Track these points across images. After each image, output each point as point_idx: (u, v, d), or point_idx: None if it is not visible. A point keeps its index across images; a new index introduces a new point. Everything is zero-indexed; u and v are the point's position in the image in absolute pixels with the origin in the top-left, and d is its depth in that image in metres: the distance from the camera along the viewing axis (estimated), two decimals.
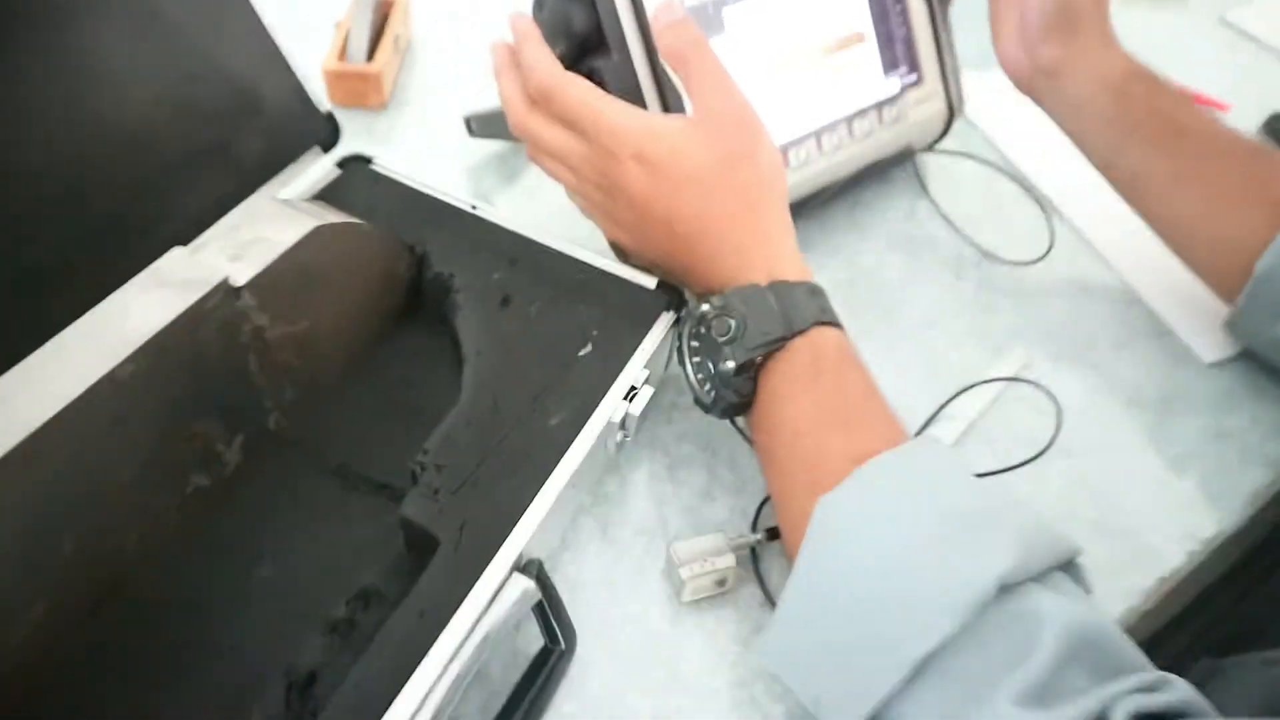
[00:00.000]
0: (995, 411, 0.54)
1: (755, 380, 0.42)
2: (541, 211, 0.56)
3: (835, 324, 0.42)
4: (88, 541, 0.34)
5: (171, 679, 0.35)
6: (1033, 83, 0.58)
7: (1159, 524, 0.51)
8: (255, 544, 0.39)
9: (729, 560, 0.43)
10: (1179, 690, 0.31)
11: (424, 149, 0.64)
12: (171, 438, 0.36)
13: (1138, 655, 0.33)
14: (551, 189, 0.49)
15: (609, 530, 0.46)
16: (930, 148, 0.67)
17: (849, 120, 0.59)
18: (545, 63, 0.45)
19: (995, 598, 0.32)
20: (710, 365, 0.42)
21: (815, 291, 0.42)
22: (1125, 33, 0.58)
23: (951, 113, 0.64)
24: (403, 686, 0.32)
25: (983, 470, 0.50)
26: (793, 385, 0.40)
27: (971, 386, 0.55)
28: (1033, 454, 0.51)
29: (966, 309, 0.60)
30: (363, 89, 0.64)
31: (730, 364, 0.41)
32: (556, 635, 0.39)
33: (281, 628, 0.36)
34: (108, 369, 0.32)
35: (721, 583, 0.43)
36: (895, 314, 0.59)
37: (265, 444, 0.41)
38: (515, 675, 0.39)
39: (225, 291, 0.36)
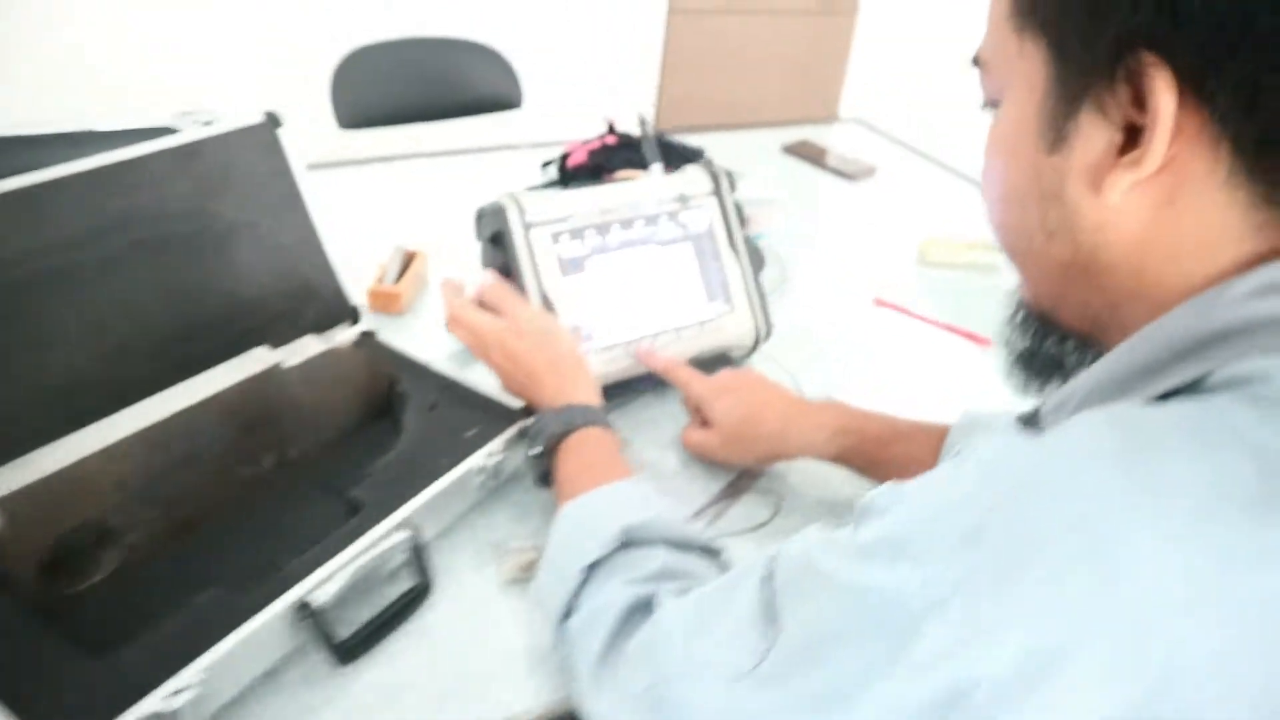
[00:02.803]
0: (743, 509, 0.84)
1: (554, 458, 0.74)
2: (472, 369, 0.92)
3: (601, 425, 0.74)
4: (187, 484, 0.67)
5: (218, 565, 0.66)
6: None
7: None
8: (271, 511, 0.71)
9: (531, 555, 0.73)
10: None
11: (421, 335, 1.01)
12: (239, 439, 0.70)
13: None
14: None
15: (475, 541, 0.76)
16: (747, 356, 1.01)
17: (677, 330, 0.94)
18: (493, 279, 0.82)
19: (626, 544, 0.62)
20: (531, 452, 0.75)
21: (589, 409, 0.75)
22: (946, 285, 0.94)
23: (759, 331, 0.99)
24: (315, 569, 0.64)
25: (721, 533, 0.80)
26: (567, 455, 0.73)
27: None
28: (755, 526, 0.81)
29: None
30: (389, 301, 1.03)
31: (537, 449, 0.74)
32: (420, 576, 0.70)
33: (277, 548, 0.67)
34: (215, 392, 0.68)
35: (525, 568, 0.73)
36: None
37: (286, 462, 0.75)
38: None
39: (280, 368, 0.71)
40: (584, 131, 1.49)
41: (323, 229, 0.87)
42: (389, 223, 1.26)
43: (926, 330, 1.16)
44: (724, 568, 0.66)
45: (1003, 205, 0.51)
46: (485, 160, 1.53)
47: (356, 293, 0.91)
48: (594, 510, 0.66)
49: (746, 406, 0.83)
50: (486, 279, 0.81)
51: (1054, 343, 0.54)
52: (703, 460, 0.87)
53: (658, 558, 0.61)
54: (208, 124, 0.78)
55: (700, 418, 0.87)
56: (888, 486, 0.46)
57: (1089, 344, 0.53)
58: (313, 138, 1.69)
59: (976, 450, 0.42)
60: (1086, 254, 0.47)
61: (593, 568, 0.61)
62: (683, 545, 0.64)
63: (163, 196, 0.74)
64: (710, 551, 0.66)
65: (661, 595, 0.57)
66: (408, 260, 1.09)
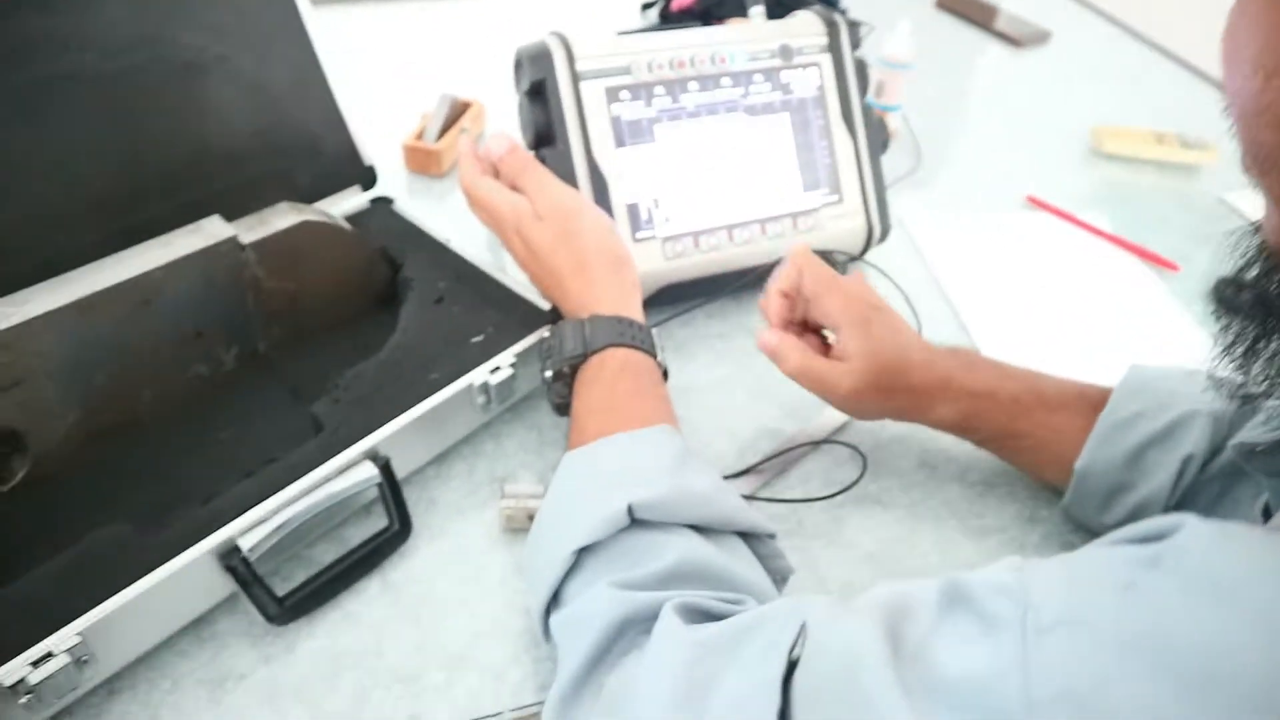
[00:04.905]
0: (817, 460, 0.66)
1: (571, 385, 0.57)
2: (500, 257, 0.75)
3: (632, 346, 0.56)
4: (115, 380, 0.54)
5: (149, 482, 0.54)
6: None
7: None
8: (225, 418, 0.58)
9: (537, 503, 0.57)
10: (746, 605, 0.43)
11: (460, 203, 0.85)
12: (183, 331, 0.57)
13: (755, 590, 0.45)
14: None
15: (474, 473, 0.62)
16: (858, 257, 0.81)
17: (763, 222, 0.74)
18: (505, 141, 0.64)
19: (634, 525, 0.45)
20: (544, 374, 0.58)
21: (622, 323, 0.57)
22: (1124, 187, 0.82)
23: (871, 231, 0.78)
24: (265, 499, 0.50)
25: (791, 498, 0.62)
26: (582, 386, 0.56)
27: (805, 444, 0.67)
28: (834, 491, 0.63)
29: None
30: (427, 161, 0.87)
31: (548, 373, 0.57)
32: (394, 518, 0.56)
33: (220, 469, 0.54)
34: (156, 268, 0.54)
35: (532, 518, 0.57)
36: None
37: (252, 359, 0.61)
38: None
39: (233, 243, 0.57)
40: None
41: (338, 70, 0.70)
42: (448, 66, 1.08)
43: (1091, 243, 0.91)
44: (773, 561, 0.50)
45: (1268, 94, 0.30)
46: None
47: (381, 149, 0.75)
48: (599, 470, 0.49)
49: (894, 346, 0.59)
50: (496, 141, 0.63)
51: None
52: (812, 390, 0.61)
53: (672, 549, 0.44)
54: None
55: (808, 334, 0.63)
56: (1007, 573, 0.28)
57: None
58: None
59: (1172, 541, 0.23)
60: None
61: (584, 552, 0.45)
62: (715, 528, 0.47)
63: (101, 17, 0.58)
64: (756, 536, 0.50)
65: (665, 614, 0.41)
66: (458, 111, 0.91)
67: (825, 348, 0.62)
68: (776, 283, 0.62)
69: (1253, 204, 1.01)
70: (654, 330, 0.60)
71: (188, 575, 0.48)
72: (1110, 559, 0.26)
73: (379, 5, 1.23)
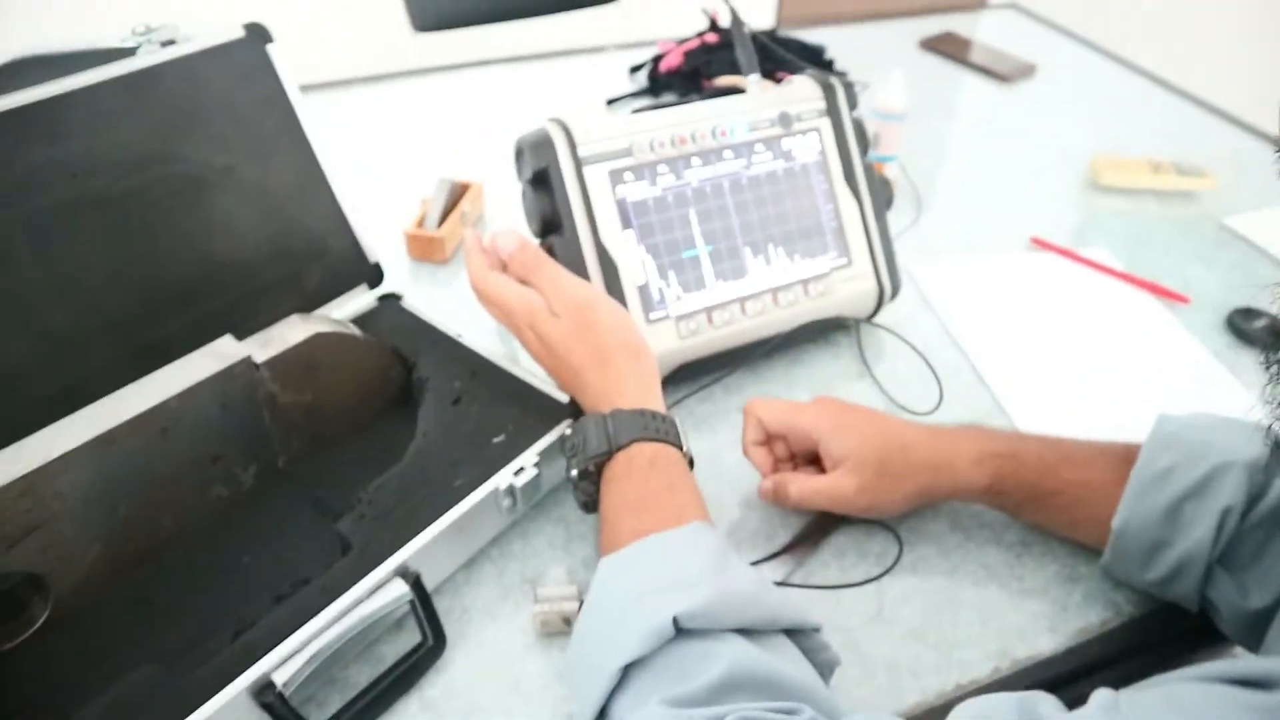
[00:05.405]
0: (848, 533, 0.65)
1: (598, 483, 0.56)
2: (512, 348, 0.74)
3: (658, 440, 0.56)
4: (136, 512, 0.54)
5: (176, 615, 0.53)
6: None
7: (978, 641, 0.59)
8: (248, 539, 0.57)
9: (572, 606, 0.56)
10: (802, 713, 0.42)
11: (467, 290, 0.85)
12: (201, 455, 0.56)
13: (808, 693, 0.44)
14: None
15: (504, 575, 0.61)
16: (868, 320, 0.80)
17: (774, 291, 0.74)
18: (513, 236, 0.63)
19: (681, 636, 0.44)
20: (569, 474, 0.57)
21: (645, 416, 0.56)
22: (1124, 219, 0.82)
23: (883, 292, 0.78)
24: (297, 628, 0.49)
25: (827, 583, 0.61)
26: (610, 484, 0.55)
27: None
28: (872, 575, 0.62)
29: None
30: (430, 248, 0.86)
31: (574, 472, 0.56)
32: (427, 633, 0.54)
33: (248, 594, 0.54)
34: (171, 395, 0.53)
35: (567, 621, 0.56)
36: None
37: (272, 475, 0.60)
38: None
39: (248, 363, 0.56)
40: (688, 29, 1.26)
41: (333, 161, 0.70)
42: (441, 146, 1.08)
43: (1100, 281, 0.91)
44: (819, 654, 0.49)
45: None
46: (566, 66, 1.32)
47: (383, 245, 0.74)
48: (639, 578, 0.48)
49: (880, 434, 0.61)
50: (504, 238, 0.63)
51: None
52: (826, 510, 0.64)
53: (721, 659, 0.43)
54: (169, 44, 0.61)
55: (805, 466, 0.65)
56: (1103, 717, 0.27)
57: None
58: (380, 45, 1.53)
59: None
60: None
61: (631, 666, 0.44)
62: (762, 629, 0.46)
63: (107, 141, 0.58)
64: (802, 631, 0.48)
65: None
66: (457, 195, 0.91)
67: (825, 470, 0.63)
68: (745, 440, 0.65)
69: (1255, 228, 1.01)
70: (674, 412, 0.59)
71: (223, 717, 0.46)
72: (1219, 706, 0.25)
73: (365, 87, 1.23)
